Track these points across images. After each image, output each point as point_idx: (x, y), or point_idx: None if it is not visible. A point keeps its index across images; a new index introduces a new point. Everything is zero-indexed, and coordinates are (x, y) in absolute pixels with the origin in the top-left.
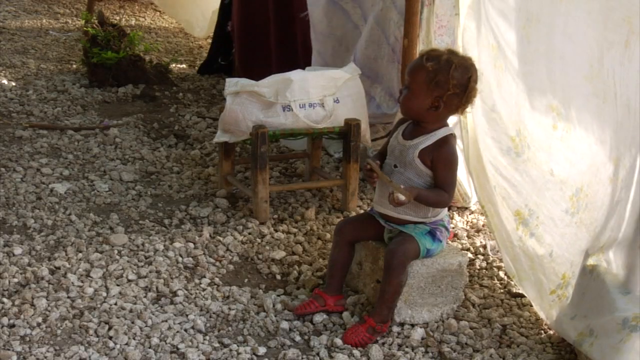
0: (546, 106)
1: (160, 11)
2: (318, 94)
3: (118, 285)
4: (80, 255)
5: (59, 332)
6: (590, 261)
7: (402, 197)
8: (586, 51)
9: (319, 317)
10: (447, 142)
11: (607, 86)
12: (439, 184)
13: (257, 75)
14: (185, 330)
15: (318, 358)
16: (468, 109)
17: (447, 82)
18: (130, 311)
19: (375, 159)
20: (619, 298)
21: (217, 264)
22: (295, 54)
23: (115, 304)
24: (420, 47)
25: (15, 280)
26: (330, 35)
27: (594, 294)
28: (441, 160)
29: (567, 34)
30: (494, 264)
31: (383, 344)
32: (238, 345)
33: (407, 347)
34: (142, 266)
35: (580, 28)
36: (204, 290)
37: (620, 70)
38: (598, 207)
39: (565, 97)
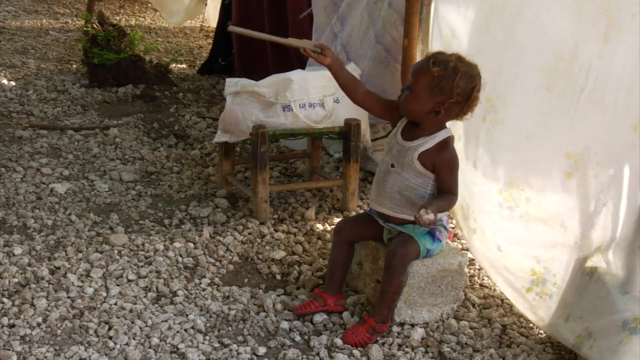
0: (484, 97)
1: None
2: (318, 94)
3: (118, 285)
4: (80, 255)
5: (59, 332)
6: (589, 263)
7: (431, 216)
8: (557, 43)
9: (319, 317)
10: (448, 145)
11: (572, 80)
12: (446, 187)
13: (257, 75)
14: (185, 330)
15: (318, 358)
16: (467, 116)
17: (451, 89)
18: (130, 311)
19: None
20: (618, 299)
21: (217, 264)
22: (291, 54)
23: (115, 304)
24: (420, 47)
25: (15, 280)
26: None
27: (593, 296)
28: (445, 164)
29: (536, 25)
30: None
31: (383, 344)
32: (238, 345)
33: (407, 347)
34: (142, 266)
35: (554, 20)
36: (204, 290)
37: (598, 64)
38: (554, 202)
39: (506, 88)
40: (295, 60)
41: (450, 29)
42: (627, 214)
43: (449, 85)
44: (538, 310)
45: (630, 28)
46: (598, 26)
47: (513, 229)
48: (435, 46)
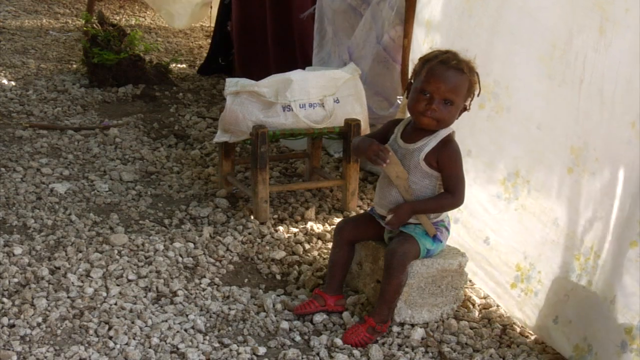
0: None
1: None
2: (318, 94)
3: (118, 285)
4: (80, 255)
5: (59, 332)
6: (579, 264)
7: (389, 218)
8: (550, 30)
9: (319, 317)
10: (450, 141)
11: (571, 70)
12: (448, 184)
13: (257, 75)
14: (185, 330)
15: (318, 358)
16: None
17: (473, 87)
18: (130, 311)
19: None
20: (611, 308)
21: (217, 264)
22: (292, 54)
23: (115, 304)
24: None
25: (15, 280)
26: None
27: (583, 301)
28: (447, 161)
29: (526, 11)
30: None
31: (383, 344)
32: (238, 345)
33: (407, 347)
34: (142, 266)
35: (546, 6)
36: (204, 290)
37: (593, 56)
38: (551, 198)
39: (505, 75)
40: (295, 61)
41: (430, 13)
42: (618, 214)
43: (473, 84)
44: (524, 307)
45: (624, 22)
46: (592, 17)
47: (507, 221)
48: (416, 32)
